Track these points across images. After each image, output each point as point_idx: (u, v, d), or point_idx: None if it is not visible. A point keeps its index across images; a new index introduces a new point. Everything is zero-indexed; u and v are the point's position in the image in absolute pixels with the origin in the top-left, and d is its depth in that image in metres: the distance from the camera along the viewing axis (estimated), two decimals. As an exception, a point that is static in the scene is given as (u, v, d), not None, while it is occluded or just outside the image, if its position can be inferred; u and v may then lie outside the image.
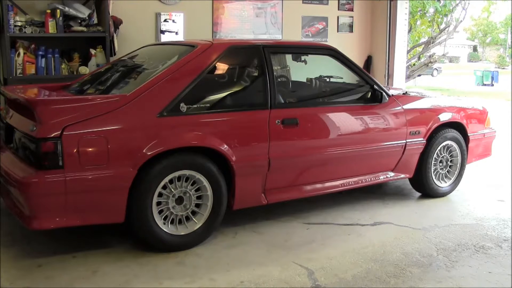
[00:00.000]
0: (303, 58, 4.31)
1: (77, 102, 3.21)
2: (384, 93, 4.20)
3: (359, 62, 7.25)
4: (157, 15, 5.87)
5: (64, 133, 2.96)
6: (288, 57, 4.38)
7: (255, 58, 3.77)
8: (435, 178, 4.59)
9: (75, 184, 2.99)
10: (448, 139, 4.56)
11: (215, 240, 3.56)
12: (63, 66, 5.15)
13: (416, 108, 4.45)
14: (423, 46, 13.65)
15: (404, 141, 4.28)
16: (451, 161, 4.69)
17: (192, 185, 3.39)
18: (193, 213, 3.44)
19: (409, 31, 12.88)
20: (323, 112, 3.93)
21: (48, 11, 4.98)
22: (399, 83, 7.32)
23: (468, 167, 4.85)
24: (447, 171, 4.70)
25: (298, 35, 6.87)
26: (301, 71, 4.40)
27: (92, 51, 5.25)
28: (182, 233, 3.38)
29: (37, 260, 3.20)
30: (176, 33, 5.96)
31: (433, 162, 4.53)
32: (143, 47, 4.40)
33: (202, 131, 3.38)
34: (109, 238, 3.55)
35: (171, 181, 3.31)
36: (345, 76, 4.32)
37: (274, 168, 3.65)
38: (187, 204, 3.39)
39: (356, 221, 4.02)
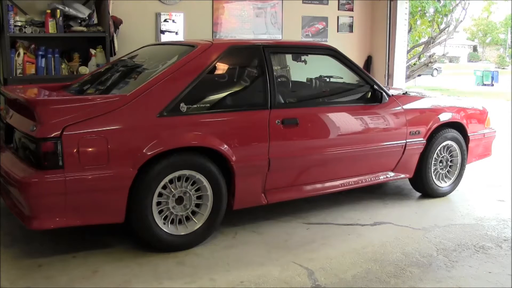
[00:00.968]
0: (303, 58, 4.31)
1: (77, 102, 3.21)
2: (384, 93, 4.20)
3: (359, 62, 7.25)
4: (157, 15, 5.87)
5: (64, 133, 2.96)
6: (288, 57, 4.38)
7: (255, 58, 3.77)
8: (435, 178, 4.59)
9: (75, 184, 2.99)
10: (448, 139, 4.56)
11: (215, 240, 3.56)
12: (63, 66, 5.15)
13: (416, 108, 4.45)
14: (423, 46, 13.67)
15: (404, 141, 4.28)
16: (451, 161, 4.69)
17: (192, 185, 3.39)
18: (193, 213, 3.44)
19: (409, 31, 12.89)
20: (323, 112, 3.93)
21: (48, 11, 4.98)
22: (399, 83, 7.32)
23: (468, 167, 4.85)
24: (447, 171, 4.70)
25: (298, 35, 6.87)
26: (301, 71, 4.40)
27: (92, 51, 5.25)
28: (182, 233, 3.38)
29: (37, 260, 3.20)
30: (176, 33, 5.96)
31: (433, 162, 4.53)
32: (143, 47, 4.40)
33: (202, 131, 3.38)
34: (109, 238, 3.54)
35: (171, 181, 3.31)
36: (345, 76, 4.32)
37: (274, 168, 3.65)
38: (187, 204, 3.39)
39: (356, 221, 4.02)
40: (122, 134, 3.15)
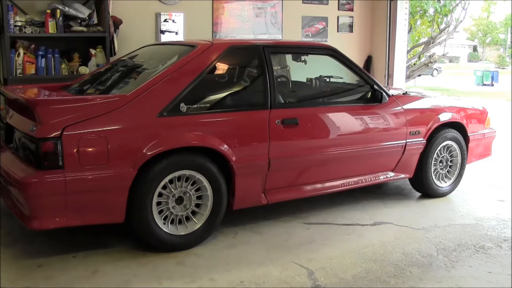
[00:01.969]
0: (303, 58, 4.30)
1: (77, 102, 3.21)
2: (384, 93, 4.20)
3: (359, 62, 7.25)
4: (157, 15, 5.87)
5: (64, 133, 2.96)
6: (288, 57, 4.37)
7: (255, 58, 3.77)
8: (435, 178, 4.59)
9: (75, 184, 2.99)
10: (448, 139, 4.56)
11: (215, 240, 3.56)
12: (63, 66, 5.15)
13: (416, 108, 4.44)
14: (423, 46, 13.66)
15: (404, 141, 4.28)
16: (451, 161, 4.69)
17: (192, 185, 3.39)
18: (193, 213, 3.44)
19: (409, 31, 12.89)
20: (323, 112, 3.93)
21: (48, 11, 4.98)
22: (399, 83, 7.32)
23: (468, 167, 4.85)
24: (447, 171, 4.70)
25: (298, 35, 6.87)
26: (301, 71, 4.40)
27: (92, 51, 5.25)
28: (182, 233, 3.38)
29: (37, 260, 3.20)
30: (176, 33, 5.96)
31: (433, 162, 4.53)
32: (143, 47, 4.40)
33: (202, 131, 3.38)
34: (109, 238, 3.54)
35: (171, 181, 3.31)
36: (345, 76, 4.32)
37: (274, 168, 3.65)
38: (187, 204, 3.39)
39: (356, 221, 4.02)
40: (122, 134, 3.15)
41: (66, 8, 5.05)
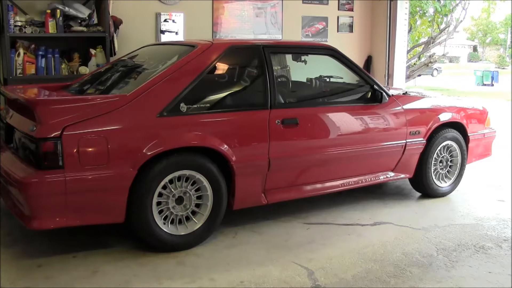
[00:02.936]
0: (303, 58, 4.30)
1: (77, 102, 3.21)
2: (384, 93, 4.20)
3: (359, 62, 7.25)
4: (157, 15, 5.87)
5: (64, 133, 2.96)
6: (288, 57, 4.37)
7: (255, 58, 3.77)
8: (435, 178, 4.59)
9: (75, 184, 2.99)
10: (448, 139, 4.56)
11: (215, 240, 3.56)
12: (63, 66, 5.15)
13: (416, 108, 4.44)
14: (423, 46, 13.66)
15: (404, 141, 4.28)
16: (451, 161, 4.69)
17: (192, 185, 3.39)
18: (193, 213, 3.44)
19: (409, 31, 12.89)
20: (323, 112, 3.93)
21: (48, 11, 4.98)
22: (399, 83, 7.32)
23: (468, 167, 4.85)
24: (447, 171, 4.70)
25: (298, 35, 6.87)
26: (301, 71, 4.40)
27: (92, 51, 5.25)
28: (182, 233, 3.38)
29: (37, 260, 3.20)
30: (176, 33, 5.96)
31: (433, 162, 4.53)
32: (143, 47, 4.40)
33: (202, 131, 3.38)
34: (109, 238, 3.54)
35: (171, 181, 3.31)
36: (345, 76, 4.32)
37: (274, 168, 3.65)
38: (187, 204, 3.39)
39: (356, 221, 4.02)
40: (122, 134, 3.15)
41: (66, 8, 5.05)
